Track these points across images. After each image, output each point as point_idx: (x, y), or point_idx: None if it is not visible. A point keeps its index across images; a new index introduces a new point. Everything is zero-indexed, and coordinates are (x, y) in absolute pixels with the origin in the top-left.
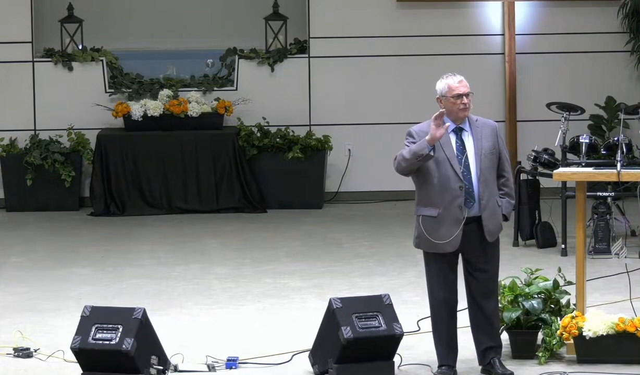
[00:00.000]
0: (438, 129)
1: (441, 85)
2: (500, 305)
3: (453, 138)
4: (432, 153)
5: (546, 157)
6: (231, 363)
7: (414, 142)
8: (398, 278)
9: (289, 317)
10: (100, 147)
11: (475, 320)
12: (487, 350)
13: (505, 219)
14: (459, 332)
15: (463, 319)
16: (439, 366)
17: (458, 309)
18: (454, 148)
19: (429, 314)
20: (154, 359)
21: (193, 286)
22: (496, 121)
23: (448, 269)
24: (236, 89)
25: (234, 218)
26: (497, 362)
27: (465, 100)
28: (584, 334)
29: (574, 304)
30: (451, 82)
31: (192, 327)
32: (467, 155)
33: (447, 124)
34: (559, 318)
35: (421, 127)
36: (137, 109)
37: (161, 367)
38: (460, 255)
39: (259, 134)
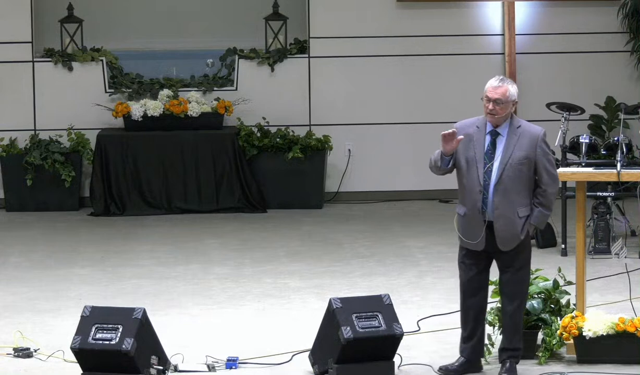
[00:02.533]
0: (448, 143)
1: (487, 83)
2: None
3: (487, 140)
4: (448, 165)
5: None
6: (231, 363)
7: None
8: (398, 278)
9: (289, 317)
10: (100, 147)
11: (502, 319)
12: (501, 351)
13: (536, 229)
14: (459, 332)
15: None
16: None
17: (453, 311)
18: (484, 151)
19: (429, 314)
20: (154, 359)
21: (193, 286)
22: None
23: (471, 259)
24: (236, 89)
25: (234, 218)
26: (505, 365)
27: (491, 106)
28: (584, 334)
29: (574, 304)
30: (490, 85)
31: (192, 327)
32: (493, 161)
33: (460, 137)
34: (559, 318)
35: (463, 124)
36: (137, 109)
37: (161, 367)
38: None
39: (259, 134)
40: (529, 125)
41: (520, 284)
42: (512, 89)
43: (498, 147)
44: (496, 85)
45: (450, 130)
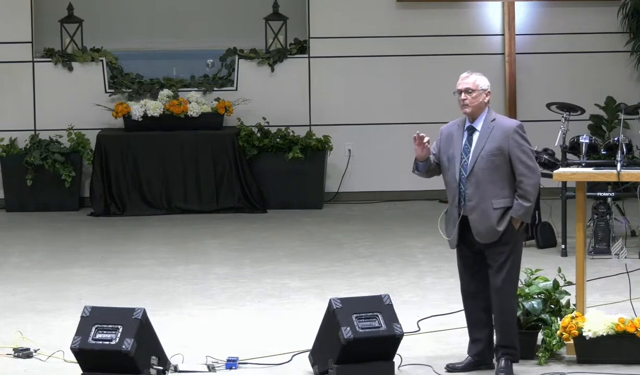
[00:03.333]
0: (417, 148)
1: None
2: None
3: (465, 137)
4: (419, 170)
5: (546, 157)
6: (231, 363)
7: (436, 141)
8: (398, 278)
9: (289, 317)
10: (100, 147)
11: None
12: (496, 349)
13: (521, 222)
14: (460, 332)
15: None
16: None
17: (453, 311)
18: (461, 147)
19: (429, 314)
20: (154, 359)
21: (193, 286)
22: None
23: (462, 262)
24: (236, 89)
25: (234, 218)
26: (500, 362)
27: (462, 96)
28: (584, 334)
29: (574, 304)
30: (460, 78)
31: (192, 327)
32: (469, 155)
33: (427, 140)
34: (559, 318)
35: (447, 126)
36: (137, 109)
37: (161, 367)
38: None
39: (259, 134)
40: (503, 119)
41: (506, 279)
42: (480, 79)
43: (474, 141)
44: (464, 76)
45: (418, 133)
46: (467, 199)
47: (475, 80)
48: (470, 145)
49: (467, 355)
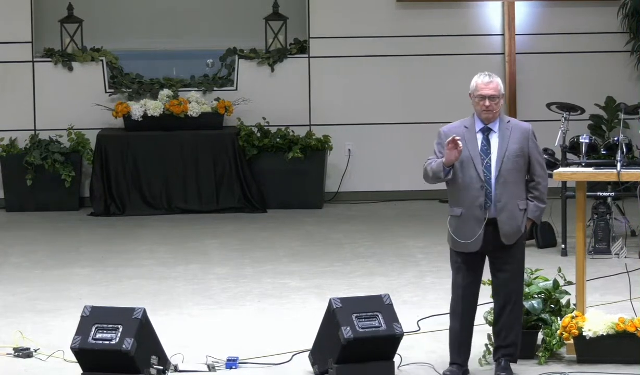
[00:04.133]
0: (452, 151)
1: (473, 81)
2: None
3: (480, 137)
4: (449, 175)
5: (546, 157)
6: (231, 363)
7: (440, 143)
8: (398, 278)
9: (289, 317)
10: (100, 147)
11: (494, 317)
12: (496, 349)
13: (534, 223)
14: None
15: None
16: (450, 363)
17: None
18: (479, 148)
19: (428, 314)
20: (154, 359)
21: (193, 286)
22: None
23: (466, 267)
24: (236, 89)
25: (234, 218)
26: (501, 363)
27: (487, 103)
28: (584, 334)
29: (574, 304)
30: (480, 81)
31: (192, 327)
32: (490, 156)
33: (460, 147)
34: (559, 318)
35: (450, 127)
36: (137, 109)
37: (161, 367)
38: (486, 255)
39: (259, 134)
40: (517, 121)
41: (515, 282)
42: (500, 83)
43: (492, 142)
44: (487, 81)
45: (454, 136)
46: (496, 199)
47: (498, 84)
48: (489, 145)
49: (463, 366)
